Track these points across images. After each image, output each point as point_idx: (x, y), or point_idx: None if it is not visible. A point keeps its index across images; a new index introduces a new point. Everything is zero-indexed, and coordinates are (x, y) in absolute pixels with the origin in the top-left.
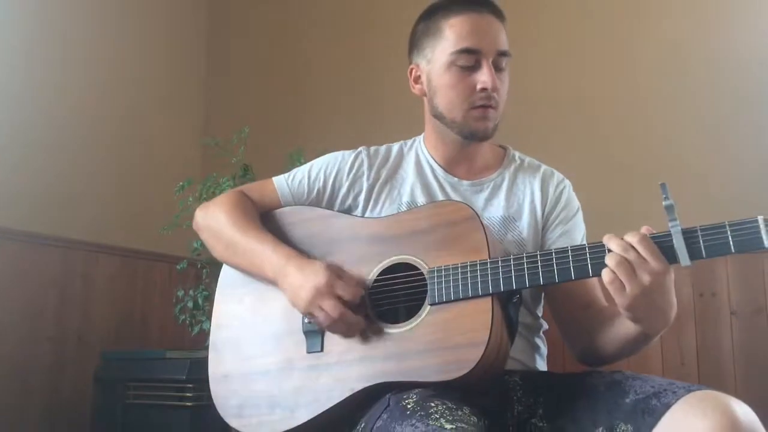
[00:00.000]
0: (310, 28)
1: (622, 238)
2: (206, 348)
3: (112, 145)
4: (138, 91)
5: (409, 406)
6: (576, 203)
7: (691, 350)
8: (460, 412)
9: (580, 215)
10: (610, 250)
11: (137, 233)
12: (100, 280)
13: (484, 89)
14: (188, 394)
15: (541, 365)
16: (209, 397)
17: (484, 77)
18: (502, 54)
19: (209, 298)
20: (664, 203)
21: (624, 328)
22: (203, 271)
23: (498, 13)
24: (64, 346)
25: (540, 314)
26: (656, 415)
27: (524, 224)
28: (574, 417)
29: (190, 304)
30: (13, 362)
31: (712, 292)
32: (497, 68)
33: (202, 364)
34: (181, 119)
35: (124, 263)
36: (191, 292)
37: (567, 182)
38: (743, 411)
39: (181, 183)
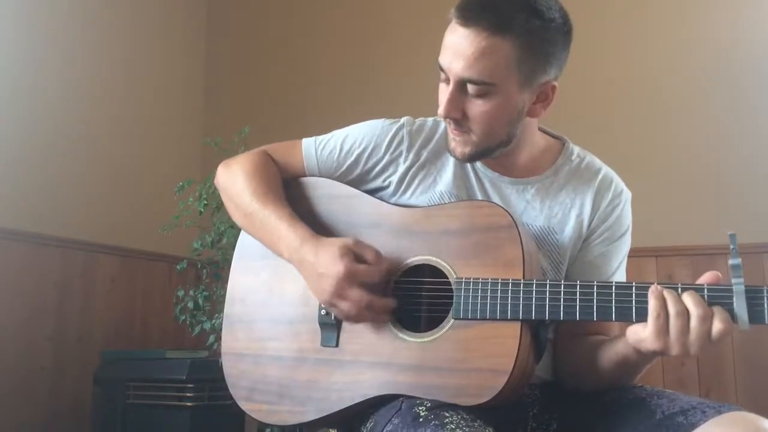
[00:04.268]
0: (310, 28)
1: (680, 295)
2: (206, 348)
3: (112, 145)
4: (138, 91)
5: (422, 413)
6: (627, 221)
7: None
8: (475, 424)
9: (627, 236)
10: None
11: (137, 233)
12: (100, 280)
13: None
14: (188, 394)
15: None
16: (209, 397)
17: (441, 99)
18: (470, 82)
19: (209, 299)
20: (730, 261)
21: (620, 349)
22: (203, 271)
23: (494, 27)
24: (64, 346)
25: None
26: None
27: (565, 238)
28: (590, 430)
29: (190, 305)
30: (13, 362)
31: None
32: (469, 93)
33: (202, 364)
34: (181, 119)
35: (124, 263)
36: (191, 293)
37: (625, 195)
38: None
39: (181, 183)
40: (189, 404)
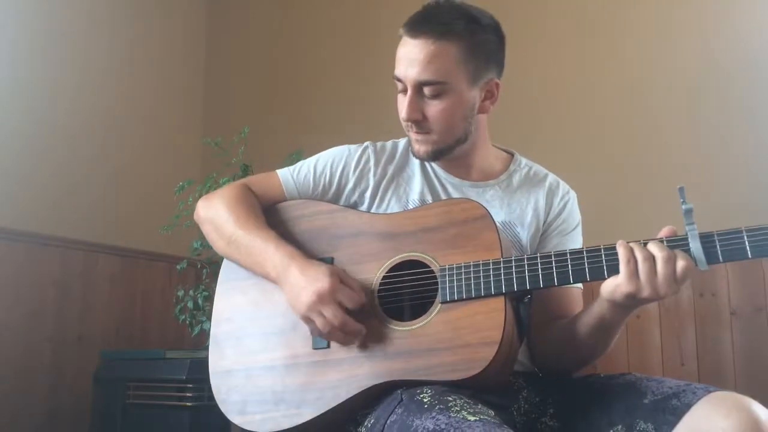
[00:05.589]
0: (310, 28)
1: (645, 246)
2: (206, 348)
3: (112, 145)
4: (138, 90)
5: (425, 400)
6: (577, 217)
7: (691, 350)
8: (478, 407)
9: (579, 230)
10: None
11: (137, 233)
12: (100, 280)
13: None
14: (188, 394)
15: None
16: (209, 397)
17: (401, 106)
18: (425, 84)
19: (209, 298)
20: (683, 207)
21: (595, 311)
22: (203, 271)
23: (439, 34)
24: (64, 347)
25: None
26: (678, 414)
27: (525, 231)
28: (588, 416)
29: (190, 304)
30: (13, 362)
31: (712, 293)
32: (426, 95)
33: (202, 364)
34: (181, 119)
35: (124, 263)
36: (191, 292)
37: (572, 194)
38: (765, 413)
39: (181, 183)
40: (189, 404)
